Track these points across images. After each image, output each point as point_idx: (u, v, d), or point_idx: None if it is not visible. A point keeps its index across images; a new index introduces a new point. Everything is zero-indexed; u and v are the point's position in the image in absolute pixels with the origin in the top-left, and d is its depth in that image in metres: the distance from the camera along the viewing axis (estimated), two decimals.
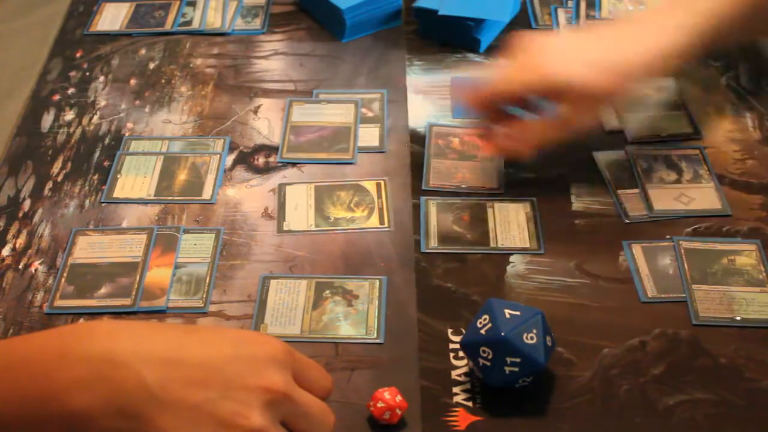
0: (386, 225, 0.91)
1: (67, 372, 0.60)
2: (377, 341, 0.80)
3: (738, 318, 0.82)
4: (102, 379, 0.59)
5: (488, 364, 0.73)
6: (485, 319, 0.73)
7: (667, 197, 0.94)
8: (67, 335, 0.63)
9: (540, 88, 0.89)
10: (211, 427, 0.60)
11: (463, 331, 0.79)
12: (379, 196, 0.94)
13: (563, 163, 0.98)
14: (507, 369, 0.73)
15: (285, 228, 0.91)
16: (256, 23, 1.19)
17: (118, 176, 0.97)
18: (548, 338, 0.74)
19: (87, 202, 0.94)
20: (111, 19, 1.20)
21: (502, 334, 0.72)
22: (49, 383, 0.60)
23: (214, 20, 1.19)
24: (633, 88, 0.93)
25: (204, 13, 1.20)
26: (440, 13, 1.12)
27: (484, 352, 0.73)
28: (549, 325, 0.75)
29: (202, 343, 0.63)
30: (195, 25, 1.19)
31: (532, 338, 0.72)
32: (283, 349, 0.64)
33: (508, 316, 0.73)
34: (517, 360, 0.72)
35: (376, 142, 1.01)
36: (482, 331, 0.73)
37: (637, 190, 0.94)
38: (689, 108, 1.05)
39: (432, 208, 0.93)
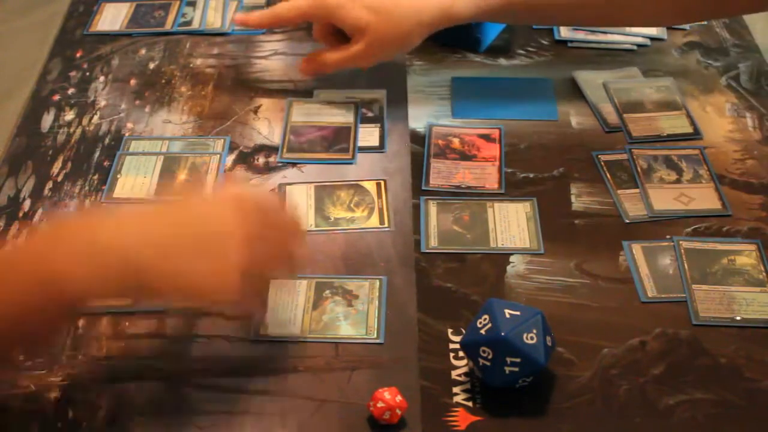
0: (386, 225, 0.91)
1: (63, 248, 0.66)
2: (377, 341, 0.80)
3: (738, 318, 0.82)
4: (95, 253, 0.67)
5: (488, 364, 0.73)
6: (485, 319, 0.73)
7: (667, 197, 0.93)
8: (58, 228, 0.72)
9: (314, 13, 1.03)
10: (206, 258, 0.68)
11: (463, 331, 0.79)
12: (379, 196, 0.94)
13: (563, 163, 0.98)
14: (507, 369, 0.72)
15: None
16: None
17: (118, 176, 0.97)
18: (548, 338, 0.74)
19: (87, 202, 0.94)
20: (111, 19, 1.20)
21: (502, 334, 0.72)
22: (49, 265, 0.66)
23: (214, 20, 1.19)
24: (412, 36, 1.01)
25: (204, 13, 1.20)
26: None
27: (484, 352, 0.73)
28: (549, 325, 0.75)
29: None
30: (195, 25, 1.19)
31: (532, 338, 0.72)
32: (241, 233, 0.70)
33: (508, 316, 0.73)
34: (517, 360, 0.72)
35: (376, 142, 1.01)
36: (482, 331, 0.73)
37: (637, 190, 0.94)
38: (689, 108, 1.05)
39: (432, 208, 0.93)
